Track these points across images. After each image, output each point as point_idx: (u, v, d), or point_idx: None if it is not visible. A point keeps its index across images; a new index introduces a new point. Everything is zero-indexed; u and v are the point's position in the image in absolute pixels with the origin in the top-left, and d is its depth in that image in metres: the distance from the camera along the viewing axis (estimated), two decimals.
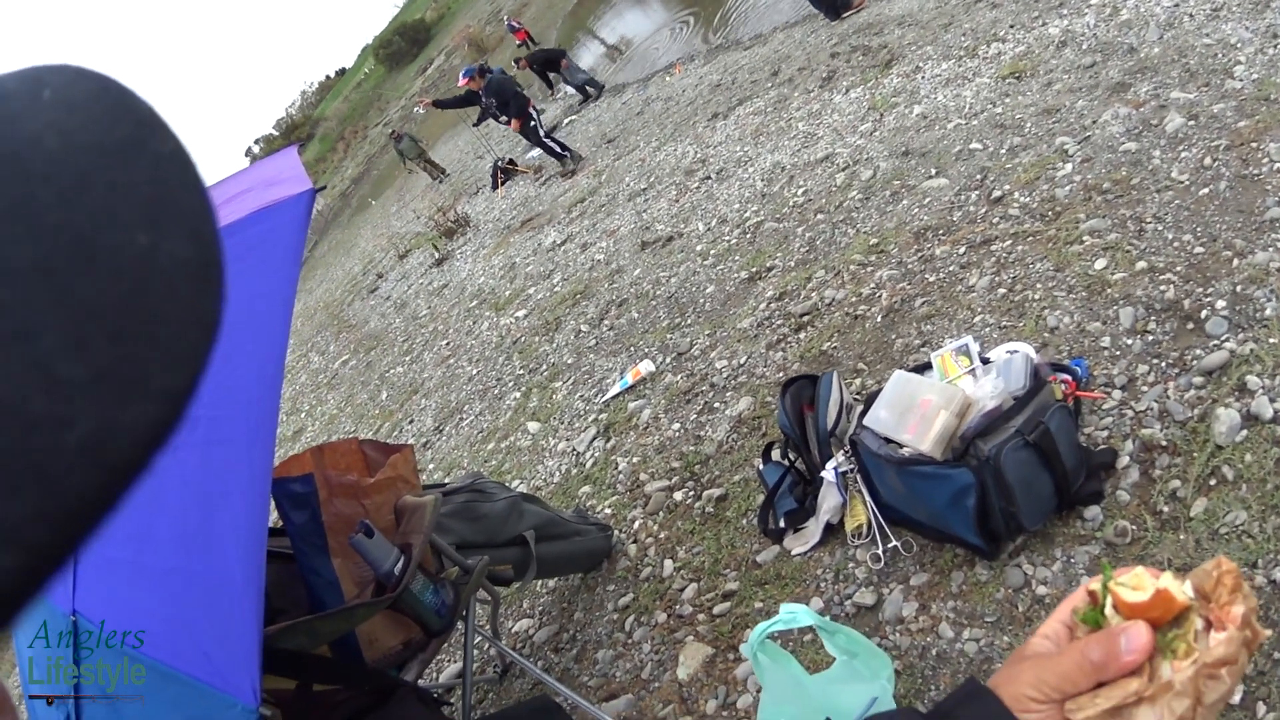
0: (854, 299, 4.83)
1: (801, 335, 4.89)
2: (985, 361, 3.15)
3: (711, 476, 4.30)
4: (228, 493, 1.90)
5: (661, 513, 4.29)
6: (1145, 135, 4.52)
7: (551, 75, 18.41)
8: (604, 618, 3.92)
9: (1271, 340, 3.02)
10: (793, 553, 3.53)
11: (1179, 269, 3.55)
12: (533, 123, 13.06)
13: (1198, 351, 3.16)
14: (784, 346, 4.91)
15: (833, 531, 3.48)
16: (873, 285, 4.83)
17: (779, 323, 5.14)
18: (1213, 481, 2.72)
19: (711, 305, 5.93)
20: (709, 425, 4.70)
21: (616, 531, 4.35)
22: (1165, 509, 2.73)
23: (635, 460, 4.86)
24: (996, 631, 2.73)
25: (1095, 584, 0.83)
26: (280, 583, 3.07)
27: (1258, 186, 3.73)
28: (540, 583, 4.36)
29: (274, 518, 3.01)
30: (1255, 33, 4.74)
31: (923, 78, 7.06)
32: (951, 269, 4.50)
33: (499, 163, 15.56)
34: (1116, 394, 3.20)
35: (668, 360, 5.61)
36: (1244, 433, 2.79)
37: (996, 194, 4.84)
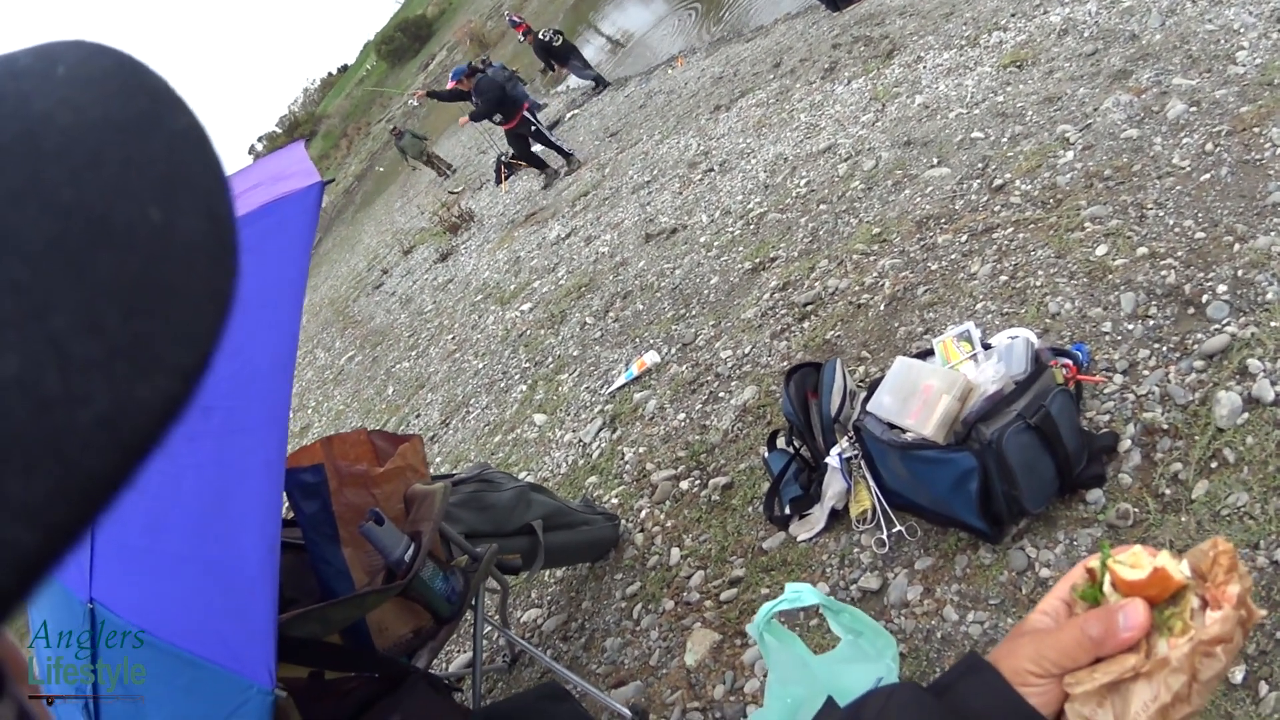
0: (857, 288, 4.85)
1: (805, 324, 4.91)
2: (987, 347, 3.18)
3: (717, 465, 4.33)
4: (243, 480, 1.93)
5: (668, 502, 4.31)
6: (1147, 122, 4.54)
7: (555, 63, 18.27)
8: (612, 606, 3.95)
9: (1273, 324, 3.04)
10: (798, 539, 3.56)
11: (1180, 254, 3.57)
12: (534, 126, 12.89)
13: (1199, 335, 3.18)
14: (788, 336, 4.93)
15: (838, 517, 3.51)
16: (875, 274, 4.85)
17: (783, 312, 5.17)
18: (1214, 464, 2.75)
19: (716, 296, 5.95)
20: (714, 415, 4.72)
21: (623, 521, 4.38)
22: (1167, 491, 2.75)
23: (641, 450, 4.89)
24: (1000, 614, 2.76)
25: (1094, 562, 0.84)
26: (292, 572, 3.10)
27: (1260, 171, 3.75)
28: (548, 572, 4.39)
29: (285, 508, 3.05)
30: (1259, 17, 4.75)
31: (924, 67, 7.08)
32: (953, 257, 4.52)
33: (502, 157, 15.55)
34: (1118, 378, 3.22)
35: (673, 351, 5.63)
36: (1245, 415, 2.82)
37: (998, 182, 4.85)
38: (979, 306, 4.04)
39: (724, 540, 3.85)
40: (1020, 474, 2.77)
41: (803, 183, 6.60)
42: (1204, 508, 2.64)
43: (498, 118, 12.99)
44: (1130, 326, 3.40)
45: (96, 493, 0.32)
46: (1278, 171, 3.70)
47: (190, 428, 2.01)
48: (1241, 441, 2.75)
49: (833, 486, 3.50)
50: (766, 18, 13.02)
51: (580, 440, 5.46)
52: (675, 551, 3.97)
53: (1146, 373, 3.18)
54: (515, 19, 23.00)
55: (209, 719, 1.88)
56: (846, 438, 3.44)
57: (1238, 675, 2.25)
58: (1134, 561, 0.81)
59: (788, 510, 3.66)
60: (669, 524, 4.17)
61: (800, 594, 1.96)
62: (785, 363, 4.69)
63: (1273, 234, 3.40)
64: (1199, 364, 3.07)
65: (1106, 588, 0.82)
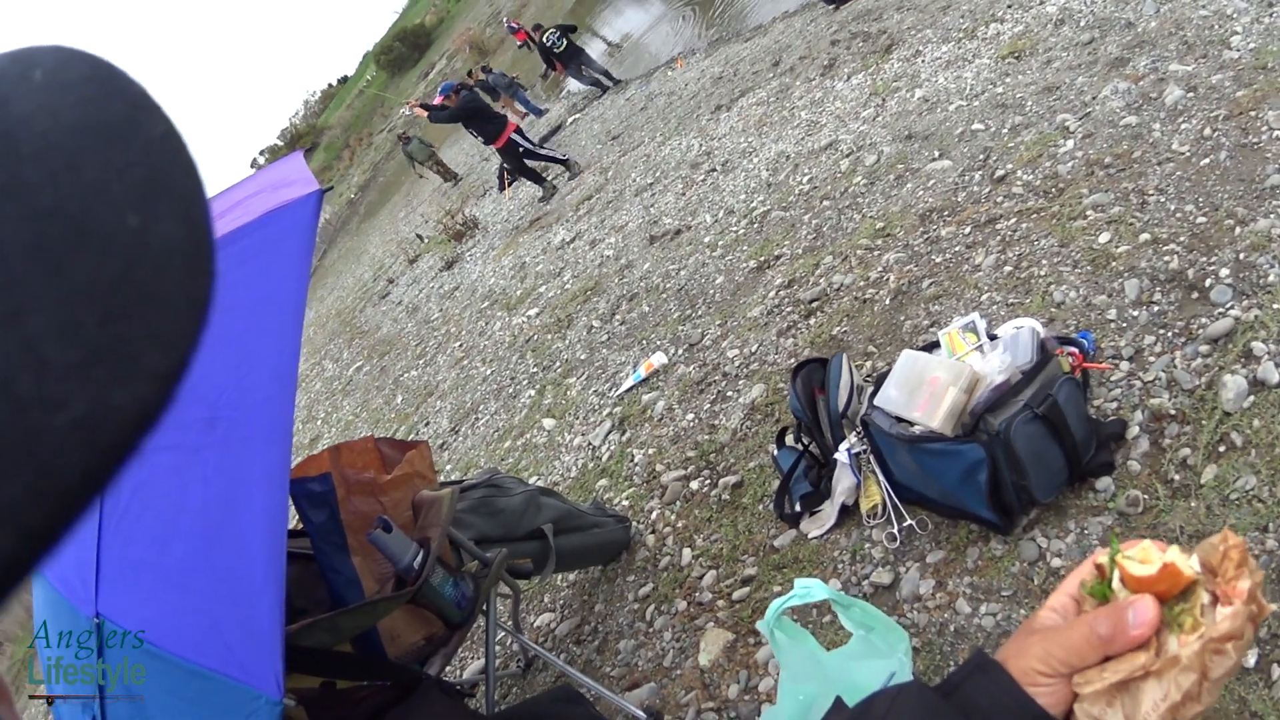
0: (862, 283, 4.85)
1: (811, 321, 4.91)
2: (992, 337, 3.17)
3: (727, 464, 4.33)
4: (248, 491, 1.93)
5: (678, 502, 4.31)
6: (1145, 109, 4.53)
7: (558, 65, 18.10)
8: (624, 608, 3.95)
9: (1276, 306, 3.03)
10: (809, 536, 3.55)
11: (1182, 239, 3.56)
12: (520, 147, 12.60)
13: (1203, 320, 3.17)
14: (794, 333, 4.92)
15: (848, 513, 3.50)
16: (880, 269, 4.84)
17: (789, 309, 5.16)
18: (1222, 448, 2.74)
19: (721, 295, 5.95)
20: (722, 414, 4.72)
21: (634, 523, 4.38)
22: (1176, 477, 2.74)
23: (651, 452, 4.88)
24: (1013, 605, 2.75)
25: (1102, 557, 0.83)
26: (301, 582, 3.10)
27: (1258, 155, 3.74)
28: (560, 576, 4.40)
29: (293, 518, 3.05)
30: (1250, 2, 4.74)
31: (923, 61, 7.07)
32: (957, 249, 4.51)
33: (504, 165, 15.57)
34: (1124, 365, 3.21)
35: (680, 352, 5.63)
36: (1251, 398, 2.81)
37: (1000, 173, 4.85)
38: (984, 298, 4.03)
39: (735, 539, 3.84)
40: (1029, 464, 2.76)
41: (805, 180, 6.59)
42: (1213, 492, 2.63)
43: (481, 137, 12.86)
44: (1135, 313, 3.39)
45: (72, 497, 0.32)
46: (1275, 154, 3.69)
47: (196, 439, 2.02)
48: (1248, 425, 2.74)
49: (842, 482, 3.49)
50: (765, 16, 13.01)
51: (590, 443, 5.46)
52: (686, 552, 3.96)
53: (1152, 359, 3.17)
54: (514, 25, 23.00)
55: None
56: (855, 433, 3.44)
57: (1250, 659, 2.24)
58: (1143, 557, 0.80)
59: (798, 507, 3.65)
60: (680, 524, 4.17)
61: (810, 589, 1.96)
62: (792, 360, 4.68)
63: (1272, 216, 3.38)
64: (1204, 348, 3.05)
65: (1115, 584, 0.81)
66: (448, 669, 4.31)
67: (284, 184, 2.31)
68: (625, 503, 4.62)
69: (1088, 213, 4.06)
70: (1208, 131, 4.04)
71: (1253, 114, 3.96)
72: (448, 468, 6.87)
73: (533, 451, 6.00)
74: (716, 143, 8.94)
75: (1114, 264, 3.67)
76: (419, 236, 16.99)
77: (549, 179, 12.53)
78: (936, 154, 5.54)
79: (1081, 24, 5.84)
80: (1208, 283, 3.29)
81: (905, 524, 3.21)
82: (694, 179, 8.44)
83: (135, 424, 0.34)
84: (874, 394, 3.22)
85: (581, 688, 3.49)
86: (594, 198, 10.48)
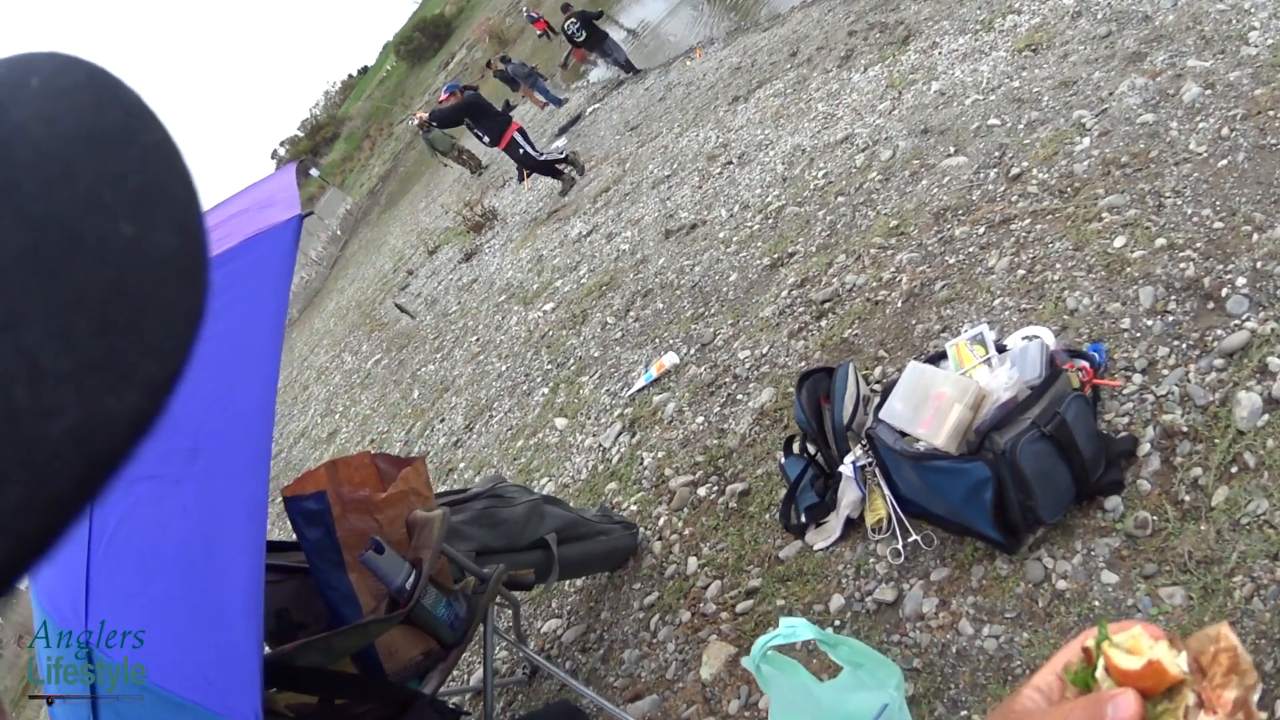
0: (874, 284, 4.78)
1: (823, 323, 4.85)
2: (1001, 349, 3.11)
3: (735, 471, 4.28)
4: (227, 524, 1.91)
5: (686, 509, 4.28)
6: (1163, 106, 4.43)
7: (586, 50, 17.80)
8: (630, 617, 3.92)
9: None
10: (815, 548, 3.50)
11: (1198, 245, 3.48)
12: (520, 149, 12.46)
13: (1218, 332, 3.09)
14: (805, 335, 4.87)
15: (854, 526, 3.45)
16: (893, 269, 4.77)
17: (800, 310, 5.10)
18: (1234, 469, 2.66)
19: (734, 293, 5.89)
20: (732, 418, 4.68)
21: (642, 529, 4.34)
22: (1186, 498, 2.67)
23: (660, 455, 4.85)
24: (1016, 628, 2.69)
25: (1090, 641, 0.80)
26: (300, 597, 3.09)
27: (1276, 157, 3.64)
28: (568, 582, 4.37)
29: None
30: None
31: (940, 53, 6.96)
32: (971, 250, 4.44)
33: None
34: (1137, 378, 3.14)
35: (691, 352, 5.59)
36: (1265, 417, 2.72)
37: (1015, 171, 4.76)
38: (996, 303, 3.96)
39: (741, 549, 3.80)
40: (1035, 484, 2.70)
41: (820, 174, 6.52)
42: (1224, 515, 2.56)
43: (486, 139, 12.73)
44: (1149, 322, 3.31)
45: (65, 505, 0.32)
46: None
47: (178, 471, 2.00)
48: (1262, 445, 2.66)
49: (847, 495, 3.45)
50: (783, 5, 12.89)
51: (600, 445, 5.43)
52: (693, 561, 3.93)
53: (1166, 371, 3.09)
54: (533, 15, 22.92)
55: None
56: (860, 445, 3.38)
57: (1253, 693, 2.18)
58: (1133, 645, 0.77)
59: (804, 519, 3.60)
60: (686, 532, 4.13)
61: (795, 629, 1.91)
62: (803, 363, 4.63)
63: None
64: (1219, 362, 2.98)
65: (1100, 673, 0.78)
66: (453, 675, 4.32)
67: (270, 203, 2.28)
68: (634, 507, 4.58)
69: (1103, 215, 3.98)
70: (1225, 131, 3.95)
71: (1270, 113, 3.86)
72: (461, 466, 6.86)
73: (544, 452, 5.97)
74: (733, 134, 8.87)
75: (1129, 270, 3.59)
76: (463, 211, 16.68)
77: (568, 170, 12.45)
78: (952, 150, 5.46)
79: (1099, 16, 5.73)
80: (1224, 292, 3.20)
81: (910, 539, 3.16)
82: (710, 171, 8.37)
83: (129, 433, 0.34)
84: (879, 406, 3.17)
85: (583, 700, 3.48)
86: (611, 189, 10.42)
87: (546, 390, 6.83)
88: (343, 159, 66.86)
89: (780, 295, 5.40)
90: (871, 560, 3.28)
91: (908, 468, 3.00)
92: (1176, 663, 0.75)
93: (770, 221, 6.46)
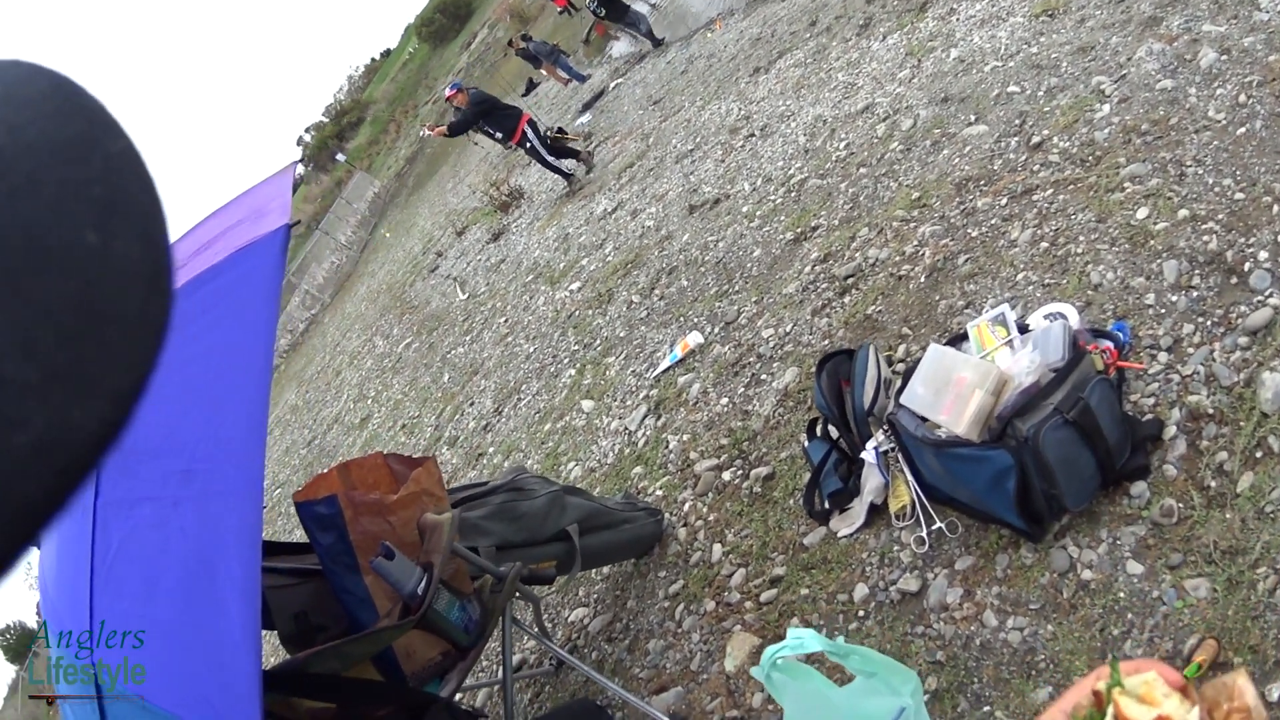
0: (897, 258, 4.70)
1: (846, 299, 4.77)
2: (1024, 330, 3.03)
3: (759, 454, 4.23)
4: (224, 545, 1.89)
5: (711, 494, 4.23)
6: (1180, 71, 4.29)
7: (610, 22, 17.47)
8: (655, 606, 3.89)
9: None
10: (839, 534, 3.45)
11: (1220, 217, 3.36)
12: (529, 143, 12.23)
13: (1242, 308, 2.98)
14: (829, 312, 4.79)
15: (878, 512, 3.39)
16: (915, 243, 4.68)
17: (823, 286, 5.03)
18: (1259, 454, 2.57)
19: (758, 269, 5.82)
20: (756, 399, 4.62)
21: (667, 515, 4.31)
22: (1212, 484, 2.58)
23: (685, 438, 4.80)
24: (1040, 620, 2.63)
25: (1102, 684, 0.78)
26: (319, 599, 3.08)
27: None
28: (594, 570, 4.34)
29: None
30: None
31: (958, 20, 6.79)
32: (993, 222, 4.34)
33: (548, 132, 15.44)
34: (1162, 356, 3.04)
35: (716, 330, 5.53)
36: None
37: (1036, 139, 4.64)
38: (1020, 277, 3.87)
39: (765, 535, 3.76)
40: (1059, 472, 2.62)
41: (842, 145, 6.42)
42: (1248, 503, 2.47)
43: (499, 135, 12.49)
44: (1173, 298, 3.21)
45: (31, 518, 0.32)
46: None
47: (175, 492, 1.98)
48: None
49: (870, 481, 3.38)
50: None
51: (626, 428, 5.40)
52: (717, 548, 3.89)
53: (1191, 350, 2.99)
54: None
55: None
56: (882, 430, 3.31)
57: (1274, 693, 2.12)
58: (1145, 693, 0.75)
59: (827, 504, 3.54)
60: (711, 518, 4.09)
61: (803, 640, 1.86)
62: (826, 341, 4.56)
63: None
64: (1243, 340, 2.87)
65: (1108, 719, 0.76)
66: (480, 667, 4.32)
67: (263, 213, 2.24)
68: (659, 492, 4.55)
69: (1125, 185, 3.87)
70: (1243, 98, 3.82)
71: None
72: (490, 450, 6.86)
73: (571, 435, 5.95)
74: (755, 106, 8.75)
75: (1152, 242, 3.48)
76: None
77: (586, 148, 12.32)
78: (972, 118, 5.33)
79: None
80: (1246, 266, 3.10)
81: (935, 527, 3.09)
82: (733, 145, 8.27)
83: (94, 443, 0.34)
84: (901, 390, 3.10)
85: (606, 693, 3.46)
86: (636, 165, 10.34)
87: (573, 372, 6.80)
88: (369, 143, 66.81)
89: (803, 271, 5.33)
90: (895, 548, 3.22)
91: (929, 455, 2.93)
92: (1188, 717, 0.72)
93: (793, 194, 6.37)
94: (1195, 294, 3.17)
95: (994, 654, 2.66)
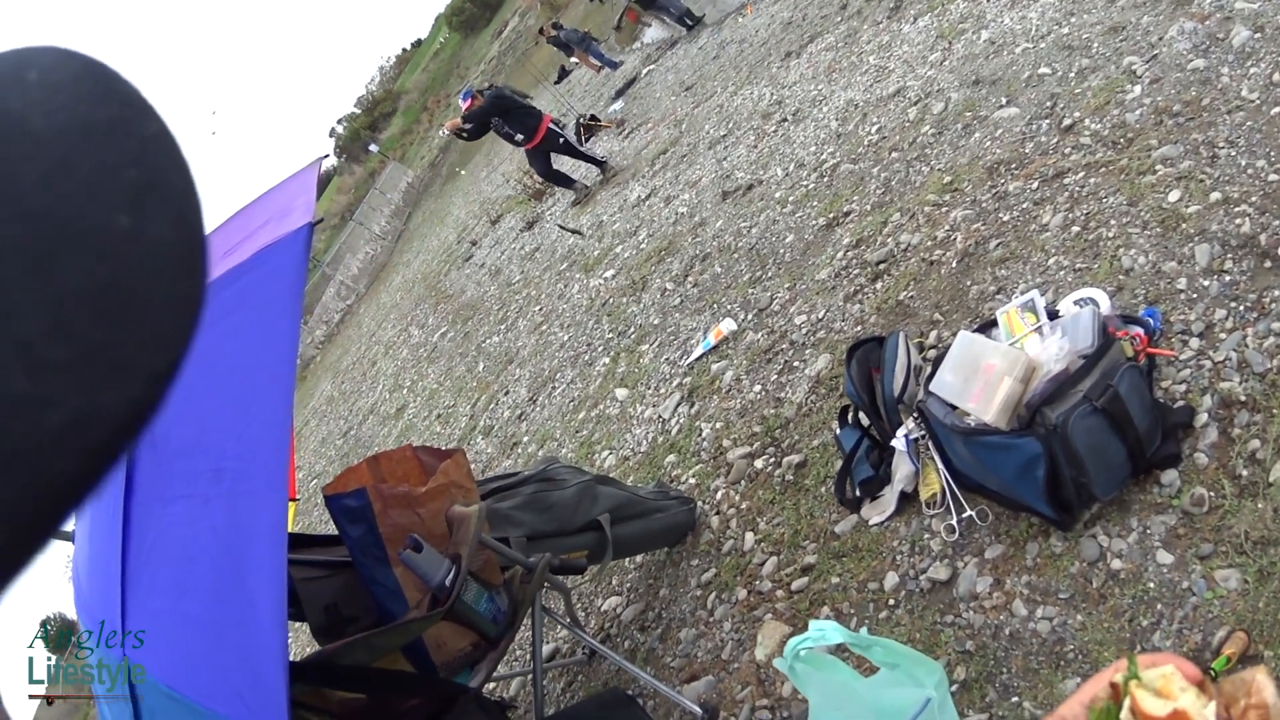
0: (929, 243, 4.66)
1: (878, 285, 4.75)
2: (1053, 316, 3.00)
3: (791, 441, 4.22)
4: (252, 543, 1.91)
5: (743, 481, 4.23)
6: (1213, 51, 4.21)
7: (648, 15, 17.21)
8: (687, 594, 3.90)
9: None
10: (870, 522, 3.44)
11: (1254, 199, 3.30)
12: (560, 139, 11.83)
13: (1276, 293, 2.93)
14: (861, 298, 4.77)
15: (908, 500, 3.38)
16: (947, 227, 4.65)
17: (856, 272, 5.00)
18: None
19: (791, 255, 5.80)
20: (789, 386, 4.61)
21: (700, 503, 4.31)
22: (1244, 473, 2.54)
23: (718, 426, 4.80)
24: (1070, 609, 2.60)
25: (1120, 676, 0.78)
26: (350, 591, 3.11)
27: None
28: (628, 559, 4.36)
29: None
30: None
31: (988, 1, 6.73)
32: (1025, 206, 4.29)
33: (581, 120, 15.41)
34: (1194, 342, 2.99)
35: (749, 317, 5.52)
36: None
37: (1067, 122, 4.58)
38: (1051, 262, 3.82)
39: (797, 523, 3.75)
40: (1089, 460, 2.59)
41: (874, 129, 6.37)
42: None
43: (519, 137, 11.86)
44: (1205, 282, 3.16)
45: (64, 495, 0.33)
46: None
47: (205, 490, 2.01)
48: None
49: (901, 469, 3.37)
50: None
51: (659, 416, 5.41)
52: (749, 536, 3.89)
53: (1223, 335, 2.94)
54: None
55: None
56: (912, 418, 3.30)
57: None
58: (1162, 686, 0.75)
59: (858, 492, 3.53)
60: (744, 506, 4.09)
61: (825, 632, 1.86)
62: (859, 327, 4.54)
63: None
64: (1277, 325, 2.82)
65: (1125, 714, 0.76)
66: (513, 655, 4.35)
67: (287, 211, 2.26)
68: (692, 480, 4.55)
69: (1157, 167, 3.81)
70: (1277, 77, 3.73)
71: None
72: (525, 439, 6.89)
73: (605, 423, 5.97)
74: (787, 91, 8.70)
75: (1184, 226, 3.42)
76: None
77: (605, 167, 12.06)
78: (1004, 101, 5.27)
79: None
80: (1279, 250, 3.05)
81: (965, 515, 3.07)
82: (765, 130, 8.23)
83: (126, 424, 0.34)
84: (930, 377, 3.08)
85: (637, 682, 3.47)
86: (669, 151, 10.31)
87: (607, 360, 6.81)
88: (402, 133, 67.00)
89: (836, 257, 5.30)
90: (926, 536, 3.20)
91: (959, 442, 2.91)
92: (1204, 713, 0.72)
93: (825, 180, 6.34)
94: (1228, 278, 3.12)
95: (1023, 644, 2.64)
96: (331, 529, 3.13)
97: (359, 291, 31.06)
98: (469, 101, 11.95)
